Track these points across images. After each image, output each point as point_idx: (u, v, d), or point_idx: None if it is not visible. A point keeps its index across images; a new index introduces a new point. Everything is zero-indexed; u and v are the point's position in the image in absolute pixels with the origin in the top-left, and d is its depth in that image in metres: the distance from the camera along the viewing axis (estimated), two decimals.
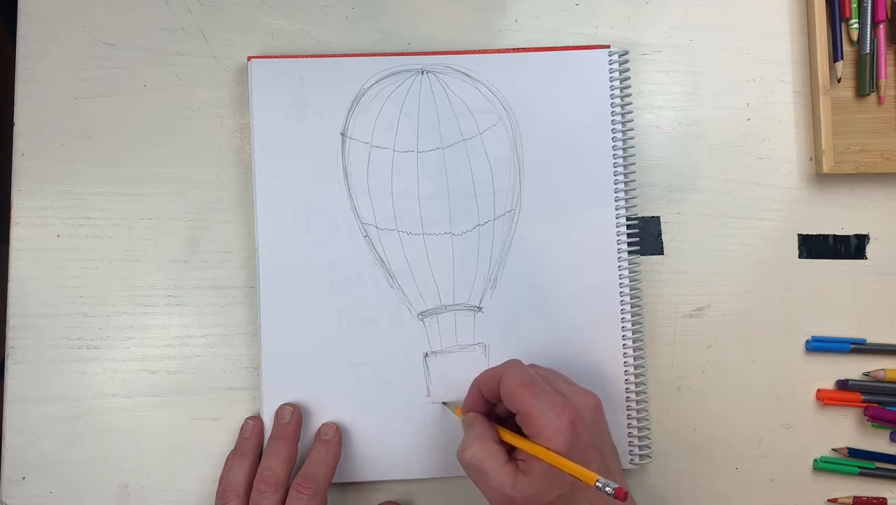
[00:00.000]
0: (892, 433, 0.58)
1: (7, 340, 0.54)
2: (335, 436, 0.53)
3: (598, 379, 0.54)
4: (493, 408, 0.49)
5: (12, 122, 0.55)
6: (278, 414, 0.53)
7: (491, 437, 0.46)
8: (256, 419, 0.53)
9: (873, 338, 0.58)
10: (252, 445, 0.52)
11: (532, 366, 0.49)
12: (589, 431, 0.45)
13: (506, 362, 0.48)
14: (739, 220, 0.59)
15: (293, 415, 0.52)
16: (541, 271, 0.55)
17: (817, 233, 0.59)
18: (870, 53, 0.59)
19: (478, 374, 0.49)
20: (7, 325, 0.54)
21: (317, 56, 0.56)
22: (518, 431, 0.46)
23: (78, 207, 0.55)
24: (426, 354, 0.54)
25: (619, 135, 0.56)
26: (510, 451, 0.46)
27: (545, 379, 0.47)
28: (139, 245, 0.55)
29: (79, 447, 0.54)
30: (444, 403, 0.54)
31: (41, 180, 0.55)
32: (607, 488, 0.39)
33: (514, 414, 0.46)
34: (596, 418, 0.46)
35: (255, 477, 0.50)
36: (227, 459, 0.52)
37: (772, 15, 0.60)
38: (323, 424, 0.53)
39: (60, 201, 0.55)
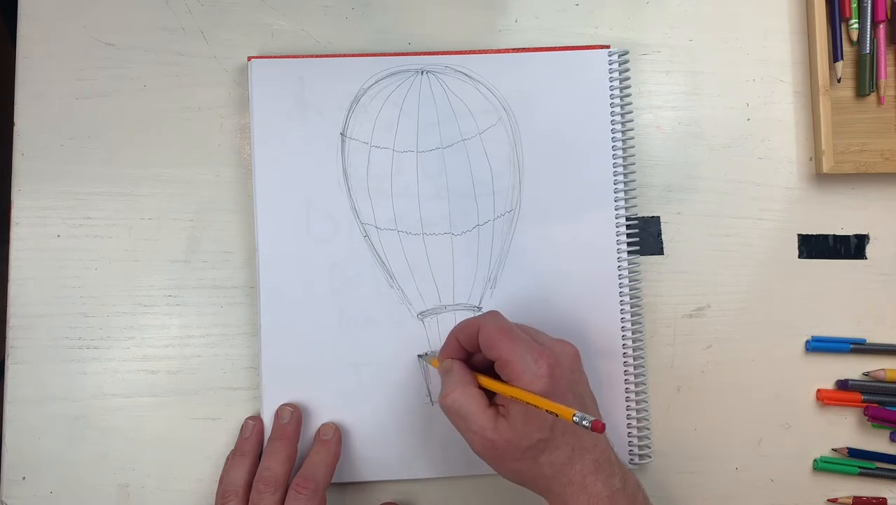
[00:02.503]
0: (892, 433, 0.58)
1: (7, 340, 0.54)
2: (334, 436, 0.53)
3: (598, 379, 0.54)
4: (470, 358, 0.49)
5: (12, 122, 0.55)
6: (278, 414, 0.53)
7: (470, 381, 0.46)
8: (256, 419, 0.53)
9: (873, 338, 0.58)
10: (252, 445, 0.52)
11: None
12: (568, 377, 0.45)
13: (484, 312, 0.48)
14: (739, 220, 0.59)
15: (293, 415, 0.52)
16: (541, 271, 0.55)
17: (817, 233, 0.59)
18: (870, 53, 0.59)
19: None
20: (7, 325, 0.54)
21: (317, 56, 0.56)
22: (496, 379, 0.46)
23: (78, 207, 0.55)
24: (426, 354, 0.54)
25: (619, 135, 0.56)
26: (490, 398, 0.46)
27: (523, 330, 0.47)
28: (139, 245, 0.55)
29: (79, 447, 0.54)
30: (419, 356, 0.54)
31: (41, 180, 0.55)
32: (584, 422, 0.39)
33: (492, 364, 0.46)
34: (574, 366, 0.47)
35: (254, 477, 0.50)
36: (227, 459, 0.52)
37: (772, 15, 0.60)
38: (322, 424, 0.53)
39: (60, 201, 0.55)
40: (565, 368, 0.46)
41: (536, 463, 0.45)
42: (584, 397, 0.47)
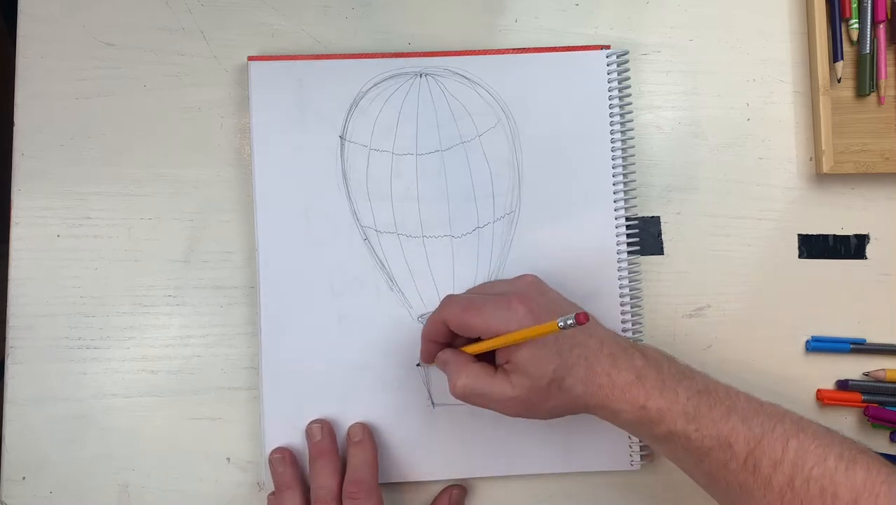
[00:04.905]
0: (892, 433, 0.58)
1: (7, 340, 0.54)
2: (364, 434, 0.52)
3: None
4: (455, 340, 0.50)
5: (12, 121, 0.55)
6: (309, 434, 0.52)
7: (468, 360, 0.48)
8: (283, 451, 0.53)
9: (873, 338, 0.58)
10: (292, 476, 0.52)
11: (468, 292, 0.52)
12: (541, 302, 0.47)
13: (440, 305, 0.49)
14: (739, 220, 0.59)
15: (323, 430, 0.52)
16: (541, 273, 0.55)
17: (817, 233, 0.59)
18: (870, 53, 0.59)
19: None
20: (7, 325, 0.54)
21: (316, 57, 0.56)
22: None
23: (78, 207, 0.55)
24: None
25: (619, 135, 0.56)
26: (493, 365, 0.48)
27: (482, 292, 0.50)
28: (139, 245, 0.55)
29: (79, 447, 0.54)
30: (418, 365, 0.54)
31: (41, 180, 0.55)
32: (569, 322, 0.40)
33: (478, 340, 0.47)
34: (541, 290, 0.49)
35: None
36: (269, 500, 0.52)
37: (772, 15, 0.60)
38: (350, 427, 0.53)
39: (60, 201, 0.55)
40: (535, 297, 0.48)
41: (564, 390, 0.46)
42: (566, 311, 0.48)
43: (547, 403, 0.46)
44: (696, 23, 0.59)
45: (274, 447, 0.53)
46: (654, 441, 0.47)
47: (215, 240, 0.56)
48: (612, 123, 0.56)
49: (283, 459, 0.52)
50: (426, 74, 0.56)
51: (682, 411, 0.44)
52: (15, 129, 0.55)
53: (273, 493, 0.52)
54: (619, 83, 0.56)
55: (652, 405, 0.44)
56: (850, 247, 0.59)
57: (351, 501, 0.49)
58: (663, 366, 0.46)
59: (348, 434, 0.53)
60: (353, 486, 0.50)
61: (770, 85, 0.59)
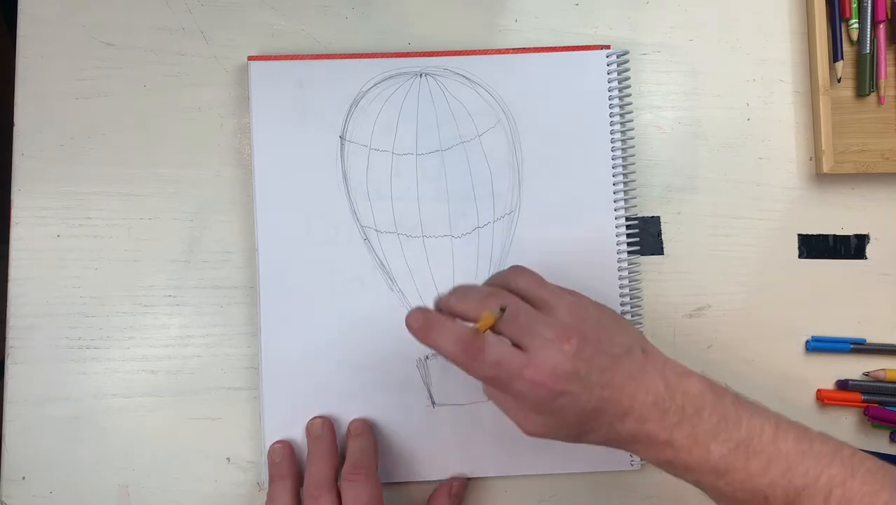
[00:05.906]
0: (892, 433, 0.58)
1: (7, 340, 0.54)
2: (365, 428, 0.52)
3: None
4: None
5: (12, 122, 0.55)
6: (309, 428, 0.52)
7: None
8: (283, 442, 0.53)
9: (873, 338, 0.58)
10: (288, 468, 0.51)
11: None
12: (588, 352, 0.43)
13: (518, 273, 0.46)
14: (739, 220, 0.59)
15: (324, 426, 0.52)
16: (541, 272, 0.55)
17: (817, 233, 0.59)
18: (870, 53, 0.59)
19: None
20: (7, 325, 0.54)
21: (316, 57, 0.56)
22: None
23: (78, 207, 0.55)
24: (426, 357, 0.54)
25: (619, 135, 0.56)
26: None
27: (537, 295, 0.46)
28: (139, 245, 0.55)
29: (79, 447, 0.54)
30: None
31: (41, 180, 0.55)
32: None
33: None
34: (595, 324, 0.45)
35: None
36: (269, 485, 0.52)
37: (772, 15, 0.60)
38: (351, 422, 0.53)
39: (60, 201, 0.55)
40: (591, 340, 0.43)
41: (583, 436, 0.44)
42: (614, 346, 0.44)
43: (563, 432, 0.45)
44: (696, 23, 0.59)
45: None
46: (677, 477, 0.44)
47: (215, 240, 0.56)
48: (612, 123, 0.56)
49: (282, 449, 0.52)
50: (426, 74, 0.56)
51: (711, 469, 0.41)
52: (15, 129, 0.55)
53: (270, 480, 0.52)
54: (619, 83, 0.56)
55: (679, 462, 0.42)
56: (850, 247, 0.59)
57: (348, 483, 0.48)
58: (703, 415, 0.42)
59: (349, 429, 0.53)
60: (353, 468, 0.49)
61: (770, 85, 0.59)
